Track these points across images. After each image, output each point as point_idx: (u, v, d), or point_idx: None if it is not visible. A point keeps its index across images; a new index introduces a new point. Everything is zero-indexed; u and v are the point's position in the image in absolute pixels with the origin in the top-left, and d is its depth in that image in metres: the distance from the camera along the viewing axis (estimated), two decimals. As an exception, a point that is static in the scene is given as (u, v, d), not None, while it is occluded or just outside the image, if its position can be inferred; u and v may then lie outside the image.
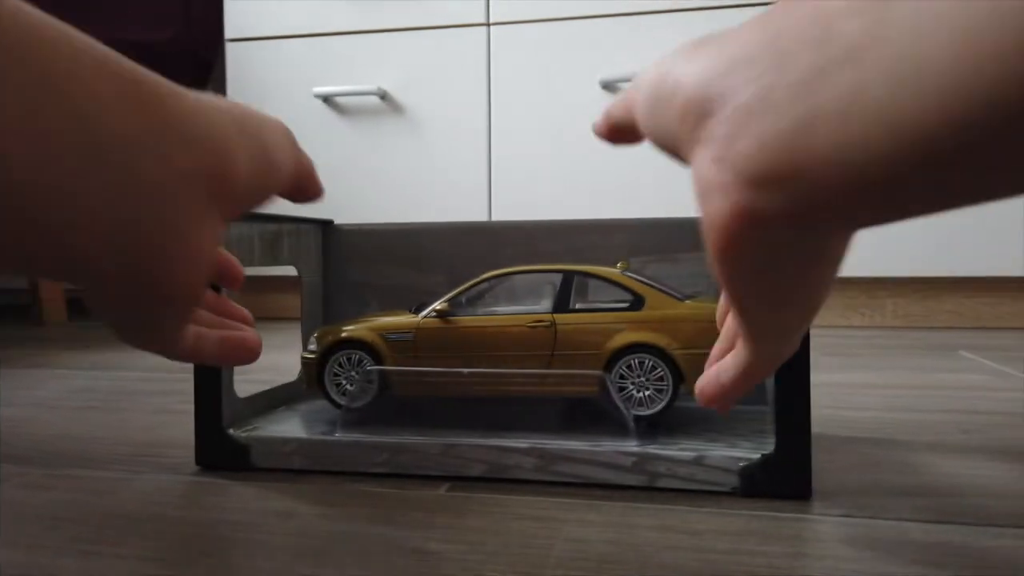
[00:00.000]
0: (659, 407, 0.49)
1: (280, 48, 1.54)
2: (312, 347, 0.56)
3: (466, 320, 0.51)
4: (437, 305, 0.53)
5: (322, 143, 1.50)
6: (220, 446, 0.51)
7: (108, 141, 0.22)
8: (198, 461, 0.51)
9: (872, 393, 0.77)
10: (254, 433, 0.52)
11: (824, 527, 0.40)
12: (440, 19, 1.47)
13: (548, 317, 0.50)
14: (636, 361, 0.49)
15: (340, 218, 0.69)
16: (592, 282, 0.53)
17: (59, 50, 0.21)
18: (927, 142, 0.15)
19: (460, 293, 0.54)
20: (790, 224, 0.19)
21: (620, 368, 0.49)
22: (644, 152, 1.31)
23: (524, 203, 1.43)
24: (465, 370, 0.51)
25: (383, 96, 1.49)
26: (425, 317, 0.52)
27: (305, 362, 0.55)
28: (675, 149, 0.22)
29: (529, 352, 0.50)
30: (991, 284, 1.39)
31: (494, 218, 1.44)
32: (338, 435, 0.50)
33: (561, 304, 0.51)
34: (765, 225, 0.19)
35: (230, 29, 1.55)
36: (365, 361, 0.52)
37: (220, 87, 1.61)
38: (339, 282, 0.69)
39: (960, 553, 0.37)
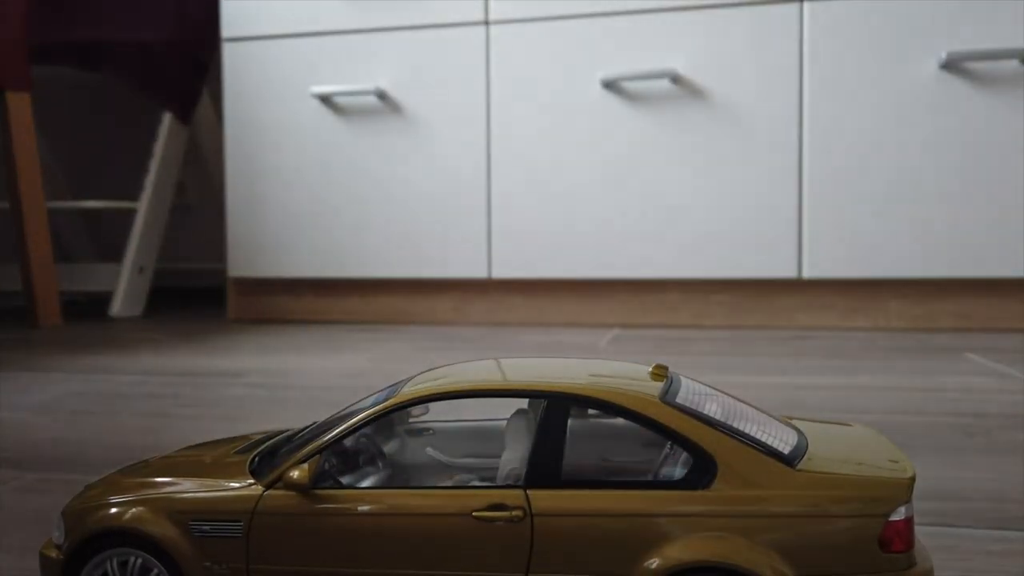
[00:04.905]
0: None
1: (277, 47, 1.53)
2: (57, 535, 0.32)
3: (348, 497, 0.30)
4: (293, 467, 0.30)
5: (320, 143, 1.50)
6: None
7: None
8: None
9: (875, 396, 0.77)
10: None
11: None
12: (439, 18, 1.47)
13: (516, 497, 0.28)
14: None
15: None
16: (601, 416, 0.31)
17: None
18: None
19: (346, 434, 0.30)
20: None
21: None
22: (644, 152, 1.31)
23: (523, 203, 1.43)
24: None
25: (381, 96, 1.48)
26: (273, 490, 0.30)
27: (44, 563, 0.32)
28: None
29: (478, 572, 0.28)
30: (996, 285, 1.38)
31: (494, 217, 1.43)
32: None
33: (543, 468, 0.28)
34: None
35: (227, 28, 1.55)
36: (155, 572, 0.30)
37: (217, 87, 1.60)
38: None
39: (966, 556, 0.36)
